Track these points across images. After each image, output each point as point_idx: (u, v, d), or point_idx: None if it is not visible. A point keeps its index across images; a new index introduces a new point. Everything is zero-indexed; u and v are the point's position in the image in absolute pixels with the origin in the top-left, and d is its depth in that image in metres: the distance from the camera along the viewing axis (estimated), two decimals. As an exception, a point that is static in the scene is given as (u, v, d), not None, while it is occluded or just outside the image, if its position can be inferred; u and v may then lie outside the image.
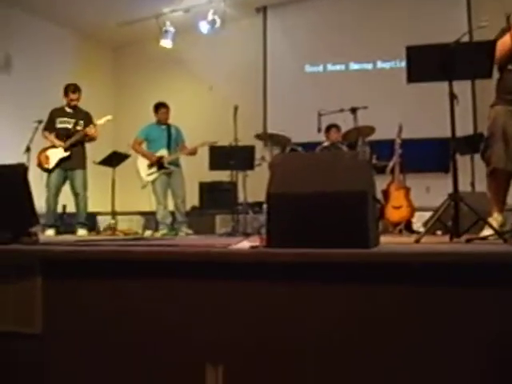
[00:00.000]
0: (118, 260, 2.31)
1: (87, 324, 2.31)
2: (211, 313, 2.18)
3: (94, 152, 6.99)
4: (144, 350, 2.22)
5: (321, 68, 9.70)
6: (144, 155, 6.92)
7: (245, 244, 2.50)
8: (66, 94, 6.66)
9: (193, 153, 6.97)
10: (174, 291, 2.23)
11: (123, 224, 8.34)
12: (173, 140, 7.04)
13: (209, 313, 2.18)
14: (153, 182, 6.87)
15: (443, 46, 3.42)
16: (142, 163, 6.91)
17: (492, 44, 3.48)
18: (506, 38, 3.46)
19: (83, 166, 6.64)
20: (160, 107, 7.12)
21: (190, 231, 6.91)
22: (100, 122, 6.69)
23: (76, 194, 6.59)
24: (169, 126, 7.09)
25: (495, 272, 1.94)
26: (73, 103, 6.65)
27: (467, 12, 8.99)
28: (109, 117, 6.76)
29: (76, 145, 6.53)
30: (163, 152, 6.90)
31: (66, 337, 2.33)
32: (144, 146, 7.07)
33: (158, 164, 6.84)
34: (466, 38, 3.93)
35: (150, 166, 6.86)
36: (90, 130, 6.56)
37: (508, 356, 1.90)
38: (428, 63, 3.46)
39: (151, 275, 2.25)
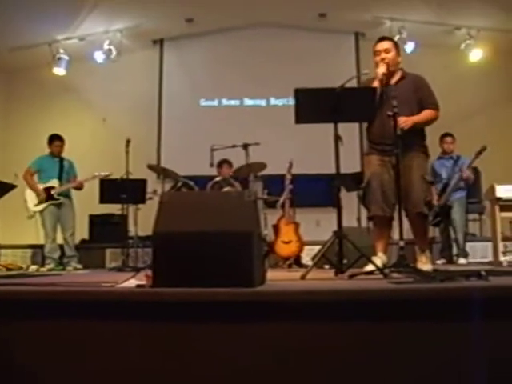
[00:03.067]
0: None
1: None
2: (93, 353, 2.12)
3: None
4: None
5: (216, 102, 9.81)
6: (32, 188, 6.69)
7: (131, 282, 2.47)
8: None
9: (79, 187, 6.83)
10: (56, 332, 2.15)
11: (8, 257, 7.94)
12: (64, 172, 6.88)
13: (91, 353, 2.12)
14: (41, 212, 6.64)
15: (329, 90, 3.58)
16: (30, 193, 6.68)
17: (373, 90, 3.70)
18: None
19: None
20: (54, 140, 6.95)
21: (79, 266, 6.73)
22: None
23: None
24: (62, 159, 6.93)
25: (373, 307, 2.03)
26: None
27: (355, 55, 9.49)
28: None
29: None
30: (54, 182, 6.72)
31: None
32: (35, 177, 6.84)
33: (47, 195, 6.63)
34: (353, 83, 4.19)
35: (39, 196, 6.64)
36: None
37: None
38: (315, 105, 3.62)
39: (33, 316, 2.16)
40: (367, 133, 4.25)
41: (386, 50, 4.07)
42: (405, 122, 3.80)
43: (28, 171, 6.81)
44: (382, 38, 4.20)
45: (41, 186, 6.75)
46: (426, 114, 4.04)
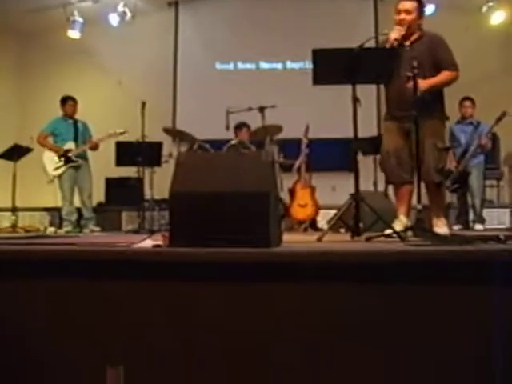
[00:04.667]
0: (13, 260, 2.22)
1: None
2: (111, 313, 2.14)
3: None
4: (42, 353, 2.15)
5: (231, 66, 9.72)
6: (51, 148, 6.71)
7: (148, 243, 2.47)
8: None
9: (94, 147, 6.83)
10: (74, 291, 2.16)
11: (26, 220, 8.02)
12: (80, 134, 6.88)
13: (108, 313, 2.14)
14: (59, 176, 6.67)
15: (348, 51, 3.51)
16: (48, 158, 6.70)
17: (393, 51, 3.62)
18: None
19: None
20: (67, 100, 6.93)
21: (96, 228, 6.77)
22: None
23: None
24: (76, 121, 6.92)
25: (390, 269, 2.02)
26: None
27: (374, 20, 9.31)
28: None
29: None
30: (70, 145, 6.73)
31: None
32: (50, 140, 6.85)
33: (65, 157, 6.65)
34: (372, 43, 4.10)
35: (58, 159, 6.65)
36: None
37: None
38: (333, 66, 3.54)
39: (51, 275, 2.18)
40: (386, 96, 4.18)
41: (407, 11, 3.92)
42: (422, 84, 3.70)
43: (41, 135, 6.81)
44: None
45: (57, 149, 6.76)
46: (444, 75, 3.92)
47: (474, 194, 6.71)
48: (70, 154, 6.67)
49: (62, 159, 6.65)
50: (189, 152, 5.78)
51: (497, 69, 8.73)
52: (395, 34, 3.86)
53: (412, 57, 3.48)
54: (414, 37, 3.98)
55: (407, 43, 3.91)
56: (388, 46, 3.83)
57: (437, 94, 3.96)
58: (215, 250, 2.09)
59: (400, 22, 3.91)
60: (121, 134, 6.60)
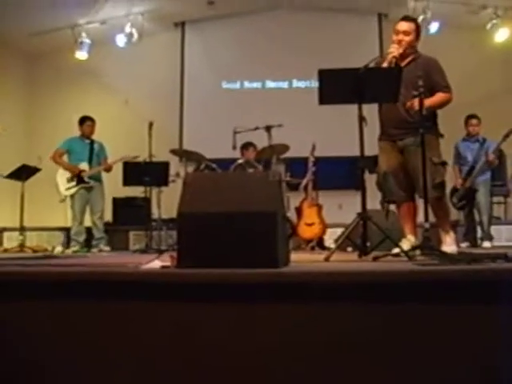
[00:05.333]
0: (22, 281, 2.23)
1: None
2: (119, 334, 2.14)
3: (4, 165, 6.73)
4: (49, 374, 2.15)
5: (238, 85, 9.79)
6: (65, 167, 6.75)
7: (156, 263, 2.48)
8: None
9: (108, 169, 6.88)
10: (82, 313, 2.17)
11: (34, 240, 8.04)
12: (95, 154, 6.91)
13: (116, 334, 2.14)
14: (72, 196, 6.71)
15: (353, 71, 3.54)
16: (62, 176, 6.74)
17: (398, 70, 3.65)
18: None
19: None
20: (85, 120, 6.99)
21: (106, 248, 6.79)
22: None
23: None
24: (92, 141, 6.97)
25: (397, 289, 2.02)
26: None
27: (379, 37, 9.38)
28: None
29: None
30: (84, 166, 6.77)
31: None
32: (65, 158, 6.89)
33: (78, 178, 6.69)
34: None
35: (70, 179, 6.69)
36: None
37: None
38: (339, 86, 3.57)
39: (59, 296, 2.18)
40: (379, 116, 4.21)
41: (406, 32, 4.00)
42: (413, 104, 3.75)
43: (56, 152, 6.85)
44: (405, 18, 4.12)
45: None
46: (440, 97, 3.98)
47: (482, 211, 6.70)
48: (83, 175, 6.71)
49: (75, 179, 6.69)
50: (196, 172, 5.81)
51: (501, 86, 8.75)
52: (394, 51, 3.92)
53: (418, 76, 3.51)
54: (409, 58, 4.04)
55: (402, 64, 3.96)
56: (386, 63, 3.89)
57: (430, 114, 3.98)
58: (223, 271, 2.10)
59: (398, 43, 3.98)
60: (134, 158, 6.62)
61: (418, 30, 4.09)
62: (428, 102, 3.86)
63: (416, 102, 3.60)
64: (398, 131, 3.99)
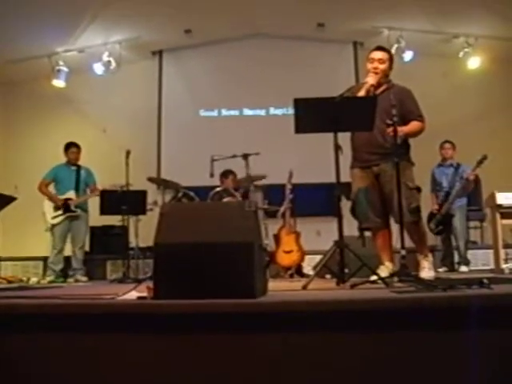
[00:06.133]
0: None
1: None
2: (94, 366, 2.11)
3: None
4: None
5: (215, 113, 9.83)
6: (50, 198, 6.69)
7: (133, 294, 2.46)
8: None
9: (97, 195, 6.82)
10: (57, 345, 2.14)
11: (8, 270, 7.93)
12: (81, 182, 6.87)
13: (92, 366, 2.11)
14: (55, 225, 6.64)
15: (329, 100, 3.58)
16: (48, 205, 6.68)
17: (373, 99, 3.70)
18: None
19: None
20: (70, 147, 6.97)
21: (83, 278, 6.70)
22: None
23: None
24: (78, 167, 6.92)
25: (375, 317, 2.03)
26: None
27: (354, 65, 9.52)
28: None
29: None
30: (71, 194, 6.71)
31: None
32: (51, 187, 6.83)
33: (65, 207, 6.63)
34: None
35: (57, 208, 6.63)
36: None
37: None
38: (314, 115, 3.61)
39: (34, 329, 2.15)
40: (351, 143, 4.24)
41: (380, 60, 4.11)
42: (400, 131, 3.81)
43: (43, 182, 6.80)
44: (379, 48, 4.23)
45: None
46: (415, 125, 4.08)
47: (458, 235, 6.78)
48: (69, 203, 6.65)
49: (62, 208, 6.63)
50: (172, 202, 5.80)
51: (474, 112, 8.92)
52: (372, 79, 4.02)
53: (392, 105, 3.57)
54: (383, 87, 4.13)
55: (377, 92, 4.05)
56: (364, 92, 3.95)
57: (403, 141, 4.05)
58: (199, 302, 2.09)
59: (374, 70, 4.07)
60: (121, 187, 6.58)
61: (391, 60, 4.20)
62: (407, 128, 3.97)
63: (400, 129, 3.68)
64: (374, 157, 4.04)
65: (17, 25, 7.92)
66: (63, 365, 2.12)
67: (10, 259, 8.02)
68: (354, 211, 4.17)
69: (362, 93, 3.97)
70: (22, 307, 2.24)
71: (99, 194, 6.77)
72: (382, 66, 4.09)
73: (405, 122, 4.02)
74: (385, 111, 3.75)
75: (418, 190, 4.08)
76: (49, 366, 2.13)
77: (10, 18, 7.73)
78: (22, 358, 2.15)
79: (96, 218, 7.02)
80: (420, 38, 8.55)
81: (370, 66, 4.11)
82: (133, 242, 6.79)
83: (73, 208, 6.68)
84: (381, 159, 4.00)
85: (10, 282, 6.52)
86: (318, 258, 6.21)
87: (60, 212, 6.64)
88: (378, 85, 4.09)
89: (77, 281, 6.52)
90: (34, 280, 6.73)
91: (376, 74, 4.05)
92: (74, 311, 2.17)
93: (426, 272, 3.97)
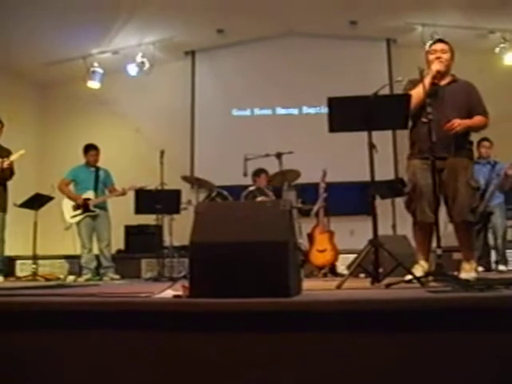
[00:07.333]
0: (36, 311, 2.24)
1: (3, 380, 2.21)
2: (131, 363, 2.13)
3: (17, 193, 6.79)
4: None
5: (248, 112, 9.85)
6: (70, 197, 6.80)
7: (168, 293, 2.48)
8: None
9: (123, 193, 6.90)
10: (94, 342, 2.17)
11: (46, 268, 8.08)
12: (100, 182, 6.97)
13: (129, 363, 2.14)
14: (77, 224, 6.75)
15: (363, 98, 3.56)
16: (67, 204, 6.79)
17: (407, 97, 3.66)
18: (419, 89, 3.68)
19: (2, 209, 6.36)
20: (89, 149, 7.05)
21: (116, 276, 6.79)
22: (13, 156, 6.32)
23: None
24: (97, 169, 7.02)
25: (410, 317, 2.01)
26: None
27: (388, 64, 9.42)
28: (22, 151, 6.37)
29: None
30: (90, 194, 6.81)
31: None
32: (71, 187, 6.95)
33: (84, 206, 6.73)
34: (386, 90, 4.15)
35: (76, 208, 6.74)
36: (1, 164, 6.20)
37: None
38: (348, 114, 3.59)
39: (72, 326, 2.19)
40: (410, 134, 4.13)
41: (443, 50, 4.04)
42: (459, 124, 3.76)
43: (63, 182, 6.92)
44: (440, 40, 4.17)
45: (77, 198, 6.85)
46: (478, 120, 3.98)
47: (497, 234, 6.67)
48: (88, 203, 6.75)
49: (81, 207, 6.73)
50: (207, 202, 5.82)
51: (511, 109, 8.74)
52: (438, 66, 3.94)
53: (459, 97, 3.56)
54: (449, 78, 4.06)
55: (442, 82, 3.99)
56: (429, 78, 3.88)
57: (466, 135, 4.00)
58: (236, 301, 2.10)
59: (439, 59, 3.99)
60: (142, 187, 6.64)
61: (452, 52, 4.11)
62: (469, 122, 3.88)
63: (456, 122, 3.62)
64: (439, 150, 3.76)
65: (52, 28, 8.08)
66: (103, 361, 2.15)
67: (47, 257, 8.16)
68: (409, 204, 4.02)
69: (427, 80, 3.83)
70: (62, 305, 2.28)
71: (119, 194, 6.86)
72: (446, 56, 4.02)
73: (469, 116, 3.94)
74: (451, 103, 3.69)
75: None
76: (87, 362, 2.16)
77: (46, 21, 7.89)
78: (62, 354, 2.19)
79: (131, 217, 7.11)
80: (454, 34, 8.37)
81: (432, 56, 4.04)
82: (167, 241, 6.85)
83: (91, 208, 6.77)
84: (446, 153, 3.86)
85: (47, 280, 6.65)
86: (351, 257, 6.17)
87: (79, 211, 6.74)
88: (443, 76, 4.01)
89: (112, 279, 6.60)
90: (70, 278, 6.83)
91: (441, 62, 3.98)
92: (112, 309, 2.20)
93: (467, 272, 3.88)
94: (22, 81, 9.69)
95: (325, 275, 6.28)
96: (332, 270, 6.41)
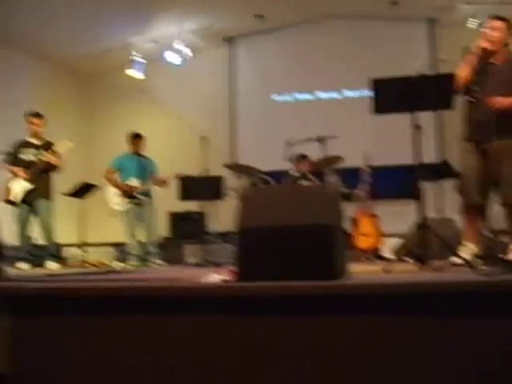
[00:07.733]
0: (90, 297, 2.29)
1: (57, 364, 2.27)
2: (184, 348, 2.17)
3: (65, 182, 6.93)
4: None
5: (288, 97, 9.81)
6: (116, 185, 6.90)
7: (215, 277, 2.50)
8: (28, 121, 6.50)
9: (163, 184, 6.94)
10: (148, 328, 2.21)
11: (93, 255, 8.24)
12: (145, 170, 7.03)
13: (182, 348, 2.17)
14: (123, 211, 6.84)
15: (406, 79, 3.51)
16: (112, 192, 6.88)
17: (451, 77, 3.59)
18: (462, 66, 3.61)
19: (47, 196, 6.46)
20: (134, 138, 7.11)
21: (161, 262, 6.87)
22: (60, 149, 6.42)
23: (41, 225, 6.45)
24: (142, 157, 7.10)
25: (461, 300, 1.99)
26: (36, 129, 6.47)
27: (428, 44, 9.23)
28: (69, 144, 6.48)
29: (41, 175, 6.40)
30: (134, 182, 6.89)
31: (35, 377, 2.29)
32: (117, 175, 7.06)
33: (129, 194, 6.82)
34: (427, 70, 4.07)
35: (122, 195, 6.84)
36: (50, 158, 6.32)
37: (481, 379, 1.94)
38: (392, 95, 3.54)
39: (124, 312, 2.24)
40: (463, 115, 4.05)
41: (493, 28, 3.90)
42: (500, 102, 3.67)
43: (109, 170, 7.02)
44: (496, 17, 4.00)
45: (123, 185, 6.95)
46: None
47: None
48: (134, 191, 6.83)
49: (126, 195, 6.82)
50: (253, 187, 5.84)
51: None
52: (484, 43, 3.84)
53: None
54: (500, 56, 3.93)
55: (496, 61, 3.88)
56: (474, 53, 3.81)
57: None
58: (283, 284, 2.11)
59: (486, 36, 3.88)
60: (176, 176, 6.68)
61: (509, 29, 3.96)
62: (506, 101, 3.76)
63: (498, 100, 3.53)
64: (484, 133, 3.80)
65: (92, 18, 8.18)
66: (152, 344, 2.19)
67: (95, 245, 8.32)
68: (459, 186, 3.99)
69: (473, 57, 3.79)
70: (111, 290, 2.33)
71: (162, 185, 6.90)
72: (495, 33, 3.87)
73: None
74: (498, 82, 3.61)
75: None
76: (137, 348, 2.21)
77: (86, 12, 7.99)
78: (114, 338, 2.24)
79: (174, 203, 7.17)
80: (501, 11, 8.14)
81: (481, 34, 3.93)
82: (210, 227, 6.89)
83: (137, 195, 6.84)
84: (491, 135, 3.78)
85: (96, 267, 6.78)
86: (395, 240, 6.11)
87: (124, 199, 6.82)
88: (494, 53, 3.88)
89: (158, 265, 6.69)
90: (118, 265, 6.95)
91: (487, 39, 3.86)
92: (163, 294, 2.23)
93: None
94: (64, 72, 9.87)
95: (369, 259, 6.24)
96: (376, 254, 6.37)
